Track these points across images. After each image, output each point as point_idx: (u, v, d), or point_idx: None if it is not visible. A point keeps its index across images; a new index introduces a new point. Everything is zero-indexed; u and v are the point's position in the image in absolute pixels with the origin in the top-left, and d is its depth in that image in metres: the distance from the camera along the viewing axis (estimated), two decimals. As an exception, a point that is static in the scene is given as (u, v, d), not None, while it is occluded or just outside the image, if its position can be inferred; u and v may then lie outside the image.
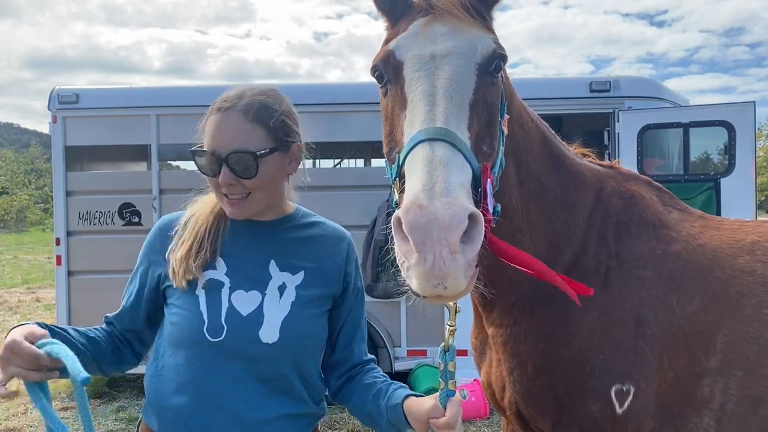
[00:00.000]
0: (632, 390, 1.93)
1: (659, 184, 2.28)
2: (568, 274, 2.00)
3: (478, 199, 1.44)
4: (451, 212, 1.25)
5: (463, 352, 6.83)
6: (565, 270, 2.01)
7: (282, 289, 1.71)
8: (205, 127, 1.70)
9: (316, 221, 1.86)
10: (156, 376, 1.72)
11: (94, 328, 1.76)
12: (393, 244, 1.37)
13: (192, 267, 1.66)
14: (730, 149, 6.04)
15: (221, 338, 1.63)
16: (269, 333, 1.65)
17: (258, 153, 1.63)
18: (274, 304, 1.68)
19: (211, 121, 1.68)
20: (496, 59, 1.59)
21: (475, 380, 6.10)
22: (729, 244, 2.11)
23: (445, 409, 1.52)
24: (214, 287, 1.67)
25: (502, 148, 1.67)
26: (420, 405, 1.58)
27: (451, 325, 1.54)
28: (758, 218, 6.49)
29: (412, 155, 1.42)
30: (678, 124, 6.17)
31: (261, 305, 1.68)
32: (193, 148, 1.69)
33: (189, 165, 8.44)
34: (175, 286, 1.68)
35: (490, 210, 1.40)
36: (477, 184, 1.45)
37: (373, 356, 1.90)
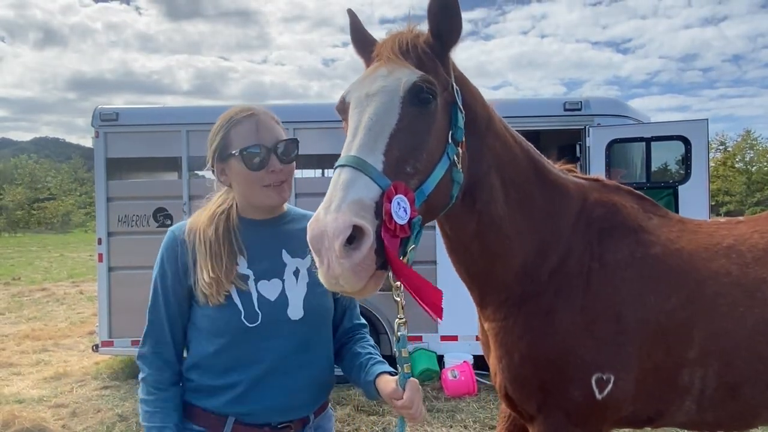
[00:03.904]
0: (612, 378, 1.89)
1: (641, 193, 2.21)
2: (554, 276, 1.97)
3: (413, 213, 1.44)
4: (335, 225, 1.31)
5: (454, 338, 6.79)
6: (551, 272, 1.97)
7: (296, 273, 1.75)
8: (233, 136, 1.70)
9: (306, 214, 1.89)
10: (196, 365, 1.70)
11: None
12: None
13: (223, 284, 1.64)
14: (686, 160, 6.01)
15: (258, 323, 1.65)
16: (295, 311, 1.70)
17: (297, 139, 1.75)
18: (293, 287, 1.73)
19: (245, 125, 1.70)
20: (417, 92, 1.56)
21: (464, 362, 6.05)
22: (705, 248, 2.05)
23: (404, 390, 1.55)
24: (241, 280, 1.68)
25: (451, 166, 1.63)
26: (384, 388, 1.64)
27: (400, 318, 1.55)
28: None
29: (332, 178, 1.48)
30: (641, 139, 6.15)
31: (283, 289, 1.71)
32: (240, 150, 1.67)
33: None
34: (211, 304, 1.64)
35: (401, 222, 1.40)
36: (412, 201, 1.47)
37: (364, 321, 1.95)
